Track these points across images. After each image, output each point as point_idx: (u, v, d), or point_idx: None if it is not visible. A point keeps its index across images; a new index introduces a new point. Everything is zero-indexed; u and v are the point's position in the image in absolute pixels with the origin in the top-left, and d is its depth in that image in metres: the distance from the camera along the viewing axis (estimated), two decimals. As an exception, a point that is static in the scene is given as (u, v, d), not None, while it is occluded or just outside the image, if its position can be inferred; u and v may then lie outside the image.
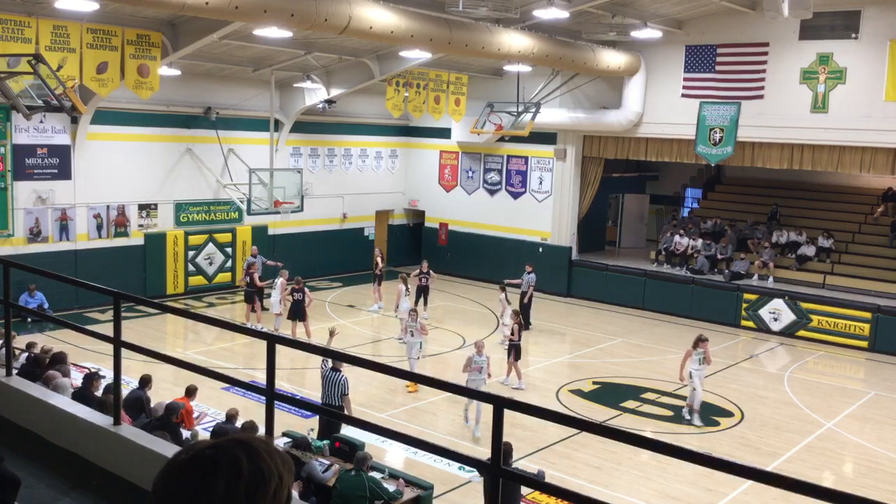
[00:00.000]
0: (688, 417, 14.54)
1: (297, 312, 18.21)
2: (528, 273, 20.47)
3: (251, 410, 11.30)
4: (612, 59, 20.97)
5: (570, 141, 24.64)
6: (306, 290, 18.40)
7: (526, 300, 20.53)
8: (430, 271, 21.32)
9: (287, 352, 14.71)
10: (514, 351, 15.79)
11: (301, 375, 16.09)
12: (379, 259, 22.67)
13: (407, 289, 19.79)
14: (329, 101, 23.27)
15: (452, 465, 11.50)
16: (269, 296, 19.50)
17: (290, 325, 18.28)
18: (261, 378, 12.95)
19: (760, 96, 20.81)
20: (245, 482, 1.62)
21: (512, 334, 15.91)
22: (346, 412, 11.36)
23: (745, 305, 21.80)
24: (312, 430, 11.78)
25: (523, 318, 20.60)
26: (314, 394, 13.35)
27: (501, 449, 3.92)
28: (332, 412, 10.97)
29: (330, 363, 11.76)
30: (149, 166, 21.41)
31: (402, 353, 17.97)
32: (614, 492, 11.34)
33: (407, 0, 15.63)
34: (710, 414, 15.16)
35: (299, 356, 16.38)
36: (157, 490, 1.65)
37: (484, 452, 8.35)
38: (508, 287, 20.15)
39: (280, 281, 18.88)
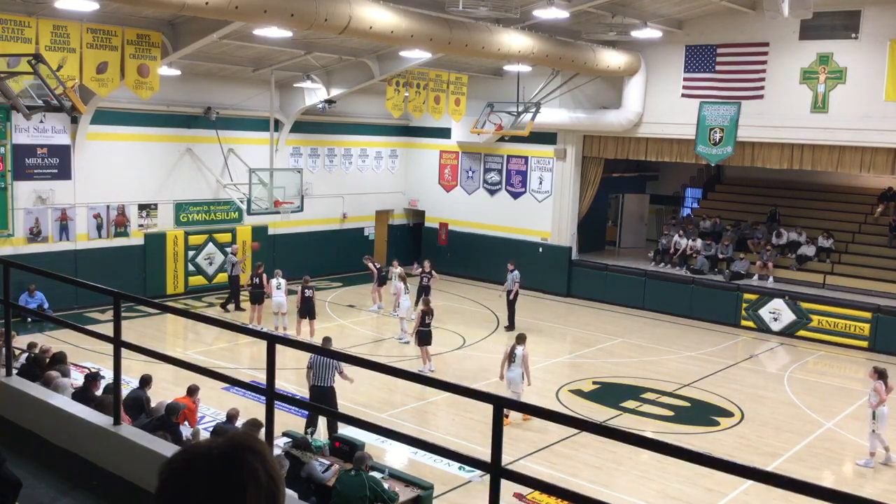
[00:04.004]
0: (878, 463, 12.88)
1: (305, 310, 18.36)
2: (511, 271, 20.50)
3: (251, 410, 11.30)
4: (612, 59, 20.97)
5: (570, 141, 24.64)
6: (308, 289, 18.46)
7: (511, 297, 20.55)
8: (433, 271, 21.25)
9: (292, 352, 14.70)
10: (420, 337, 16.63)
11: (302, 375, 16.06)
12: (370, 264, 22.43)
13: (406, 288, 19.79)
14: (329, 101, 23.27)
15: (452, 465, 11.50)
16: (269, 296, 19.51)
17: (297, 322, 18.43)
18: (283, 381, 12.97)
19: (760, 96, 20.82)
20: (266, 492, 1.63)
21: (421, 322, 16.65)
22: (349, 380, 12.43)
23: (745, 305, 21.80)
24: (312, 430, 11.80)
25: (509, 316, 20.64)
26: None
27: (501, 448, 3.92)
28: (332, 412, 11.01)
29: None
30: (149, 166, 21.41)
31: (403, 353, 18.00)
32: (614, 492, 11.34)
33: (407, 0, 15.63)
34: (710, 414, 15.17)
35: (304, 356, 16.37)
36: (165, 495, 1.64)
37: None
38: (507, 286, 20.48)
39: (283, 281, 18.96)
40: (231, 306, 20.99)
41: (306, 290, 18.29)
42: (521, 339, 14.17)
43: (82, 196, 20.06)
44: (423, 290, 20.77)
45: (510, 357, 13.93)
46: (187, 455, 1.67)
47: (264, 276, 19.52)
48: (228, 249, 22.09)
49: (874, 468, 12.81)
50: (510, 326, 20.52)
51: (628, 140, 23.46)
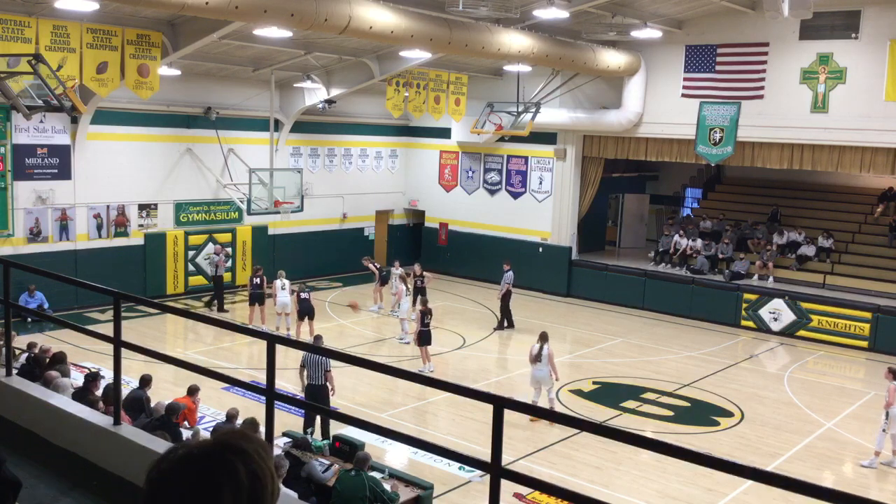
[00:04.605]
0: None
1: (303, 311, 18.41)
2: (507, 271, 20.52)
3: (251, 410, 11.29)
4: (612, 59, 20.97)
5: (570, 141, 24.64)
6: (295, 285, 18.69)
7: (500, 297, 20.63)
8: (425, 273, 21.07)
9: (293, 352, 14.71)
10: (420, 337, 16.60)
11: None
12: (370, 265, 22.49)
13: (408, 289, 19.79)
14: (329, 101, 23.26)
15: (452, 465, 11.50)
16: (269, 296, 19.53)
17: (297, 323, 18.49)
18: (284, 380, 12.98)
19: (760, 96, 20.81)
20: (247, 492, 1.62)
21: (420, 322, 16.65)
22: (330, 386, 12.47)
23: (745, 305, 21.79)
24: (312, 429, 11.80)
25: (504, 315, 20.64)
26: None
27: (501, 448, 3.92)
28: (330, 412, 11.01)
29: None
30: (149, 166, 21.40)
31: (402, 353, 18.00)
32: (614, 492, 11.34)
33: (407, 0, 15.63)
34: (710, 414, 15.17)
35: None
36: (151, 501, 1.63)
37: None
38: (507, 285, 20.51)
39: (287, 282, 19.02)
40: (216, 306, 20.99)
41: (301, 294, 18.43)
42: (544, 337, 14.21)
43: (82, 196, 20.05)
44: (419, 292, 20.74)
45: (538, 357, 13.99)
46: (171, 455, 1.67)
47: (264, 278, 19.57)
48: (212, 250, 22.16)
49: (877, 468, 12.78)
50: (501, 326, 20.55)
51: (628, 140, 23.46)
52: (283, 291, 18.90)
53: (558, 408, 14.41)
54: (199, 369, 5.74)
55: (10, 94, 14.18)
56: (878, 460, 12.83)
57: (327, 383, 12.40)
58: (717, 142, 21.14)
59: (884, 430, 12.77)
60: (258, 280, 19.45)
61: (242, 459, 1.65)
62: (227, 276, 23.16)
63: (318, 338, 13.95)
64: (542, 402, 13.96)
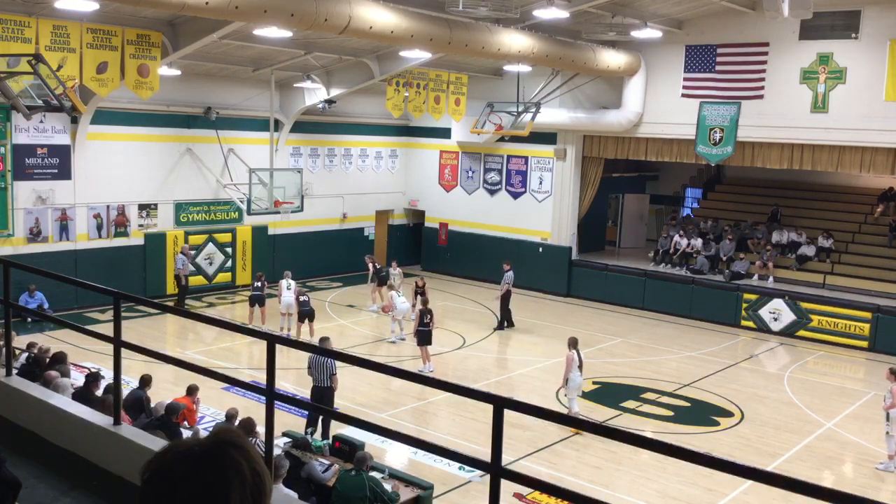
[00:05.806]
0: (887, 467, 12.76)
1: (303, 313, 18.47)
2: (507, 271, 20.53)
3: (251, 410, 11.29)
4: (612, 59, 20.96)
5: (570, 141, 24.63)
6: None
7: (498, 297, 20.67)
8: (426, 287, 20.81)
9: (293, 352, 14.71)
10: (420, 337, 16.64)
11: (303, 374, 16.06)
12: (371, 263, 22.53)
13: (399, 291, 19.73)
14: (329, 101, 23.26)
15: (452, 465, 11.50)
16: (269, 295, 19.53)
17: (297, 325, 18.53)
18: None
19: (760, 96, 20.81)
20: (251, 488, 1.63)
21: (420, 321, 16.68)
22: (334, 388, 12.51)
23: (745, 305, 21.79)
24: (312, 430, 11.80)
25: (504, 315, 20.64)
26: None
27: (501, 448, 3.92)
28: (330, 412, 11.01)
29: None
30: (149, 166, 21.41)
31: (402, 353, 18.00)
32: (614, 492, 11.34)
33: (407, 0, 15.63)
34: (710, 414, 15.17)
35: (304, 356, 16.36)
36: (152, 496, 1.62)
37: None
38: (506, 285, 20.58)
39: (293, 282, 19.05)
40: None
41: (301, 297, 18.53)
42: (576, 343, 14.16)
43: (82, 196, 20.05)
44: (419, 292, 20.69)
45: (580, 363, 13.90)
46: (169, 453, 1.65)
47: (265, 283, 19.61)
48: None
49: (893, 472, 12.67)
50: (501, 326, 20.55)
51: (628, 140, 23.46)
52: (288, 291, 18.94)
53: (558, 408, 14.41)
54: (199, 369, 5.74)
55: (10, 94, 14.19)
56: (892, 464, 12.75)
57: (332, 385, 12.39)
58: (717, 142, 21.14)
59: (888, 433, 12.72)
60: (259, 283, 19.50)
61: (243, 455, 1.65)
62: (224, 277, 23.22)
63: (324, 339, 13.84)
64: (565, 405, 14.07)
